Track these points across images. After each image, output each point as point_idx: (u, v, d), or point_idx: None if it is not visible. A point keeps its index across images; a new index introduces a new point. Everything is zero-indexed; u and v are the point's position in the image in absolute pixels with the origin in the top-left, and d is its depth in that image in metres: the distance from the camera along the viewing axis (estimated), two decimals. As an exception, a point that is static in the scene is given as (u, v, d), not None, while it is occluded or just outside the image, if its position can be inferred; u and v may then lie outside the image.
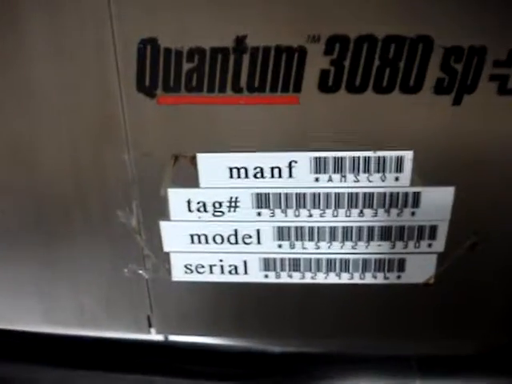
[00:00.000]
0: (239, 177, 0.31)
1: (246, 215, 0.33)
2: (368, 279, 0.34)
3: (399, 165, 0.30)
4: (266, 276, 0.35)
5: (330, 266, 0.34)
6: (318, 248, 0.33)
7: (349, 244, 0.33)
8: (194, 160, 0.31)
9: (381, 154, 0.30)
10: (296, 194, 0.31)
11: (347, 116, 0.29)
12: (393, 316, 0.36)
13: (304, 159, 0.30)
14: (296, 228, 0.33)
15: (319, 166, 0.30)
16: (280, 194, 0.32)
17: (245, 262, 0.34)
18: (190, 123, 0.30)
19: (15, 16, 0.28)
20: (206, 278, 0.35)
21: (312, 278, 0.34)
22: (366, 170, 0.30)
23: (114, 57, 0.29)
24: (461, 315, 0.35)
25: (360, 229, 0.32)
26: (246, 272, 0.35)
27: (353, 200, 0.31)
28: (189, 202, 0.32)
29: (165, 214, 0.33)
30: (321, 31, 0.27)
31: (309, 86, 0.28)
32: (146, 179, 0.32)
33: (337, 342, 0.38)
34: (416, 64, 0.27)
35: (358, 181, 0.31)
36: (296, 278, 0.35)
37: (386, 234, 0.32)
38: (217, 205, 0.32)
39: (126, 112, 0.30)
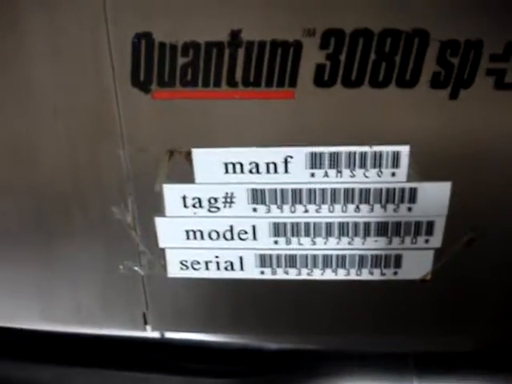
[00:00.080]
0: (235, 172, 0.31)
1: (242, 211, 0.32)
2: (364, 275, 0.34)
3: (396, 160, 0.30)
4: (262, 272, 0.35)
5: (327, 262, 0.34)
6: (315, 244, 0.33)
7: (345, 240, 0.33)
8: (189, 155, 0.31)
9: (377, 148, 0.30)
10: (292, 189, 0.31)
11: (343, 111, 0.29)
12: (390, 312, 0.36)
13: (300, 154, 0.30)
14: (292, 224, 0.33)
15: (315, 162, 0.30)
16: (276, 189, 0.31)
17: (241, 258, 0.34)
18: (185, 118, 0.30)
19: (15, 16, 0.28)
20: (202, 274, 0.35)
21: (308, 274, 0.34)
22: (363, 165, 0.30)
23: (109, 52, 0.28)
24: (458, 311, 0.35)
25: (356, 224, 0.32)
26: (241, 268, 0.35)
27: (349, 195, 0.31)
28: (184, 198, 0.32)
29: (160, 210, 0.33)
30: (316, 25, 0.27)
31: (304, 81, 0.28)
32: (141, 175, 0.32)
33: (333, 339, 0.38)
34: (412, 58, 0.27)
35: (354, 176, 0.31)
36: (292, 275, 0.34)
37: (382, 229, 0.32)
38: (212, 200, 0.32)
39: (121, 107, 0.30)
